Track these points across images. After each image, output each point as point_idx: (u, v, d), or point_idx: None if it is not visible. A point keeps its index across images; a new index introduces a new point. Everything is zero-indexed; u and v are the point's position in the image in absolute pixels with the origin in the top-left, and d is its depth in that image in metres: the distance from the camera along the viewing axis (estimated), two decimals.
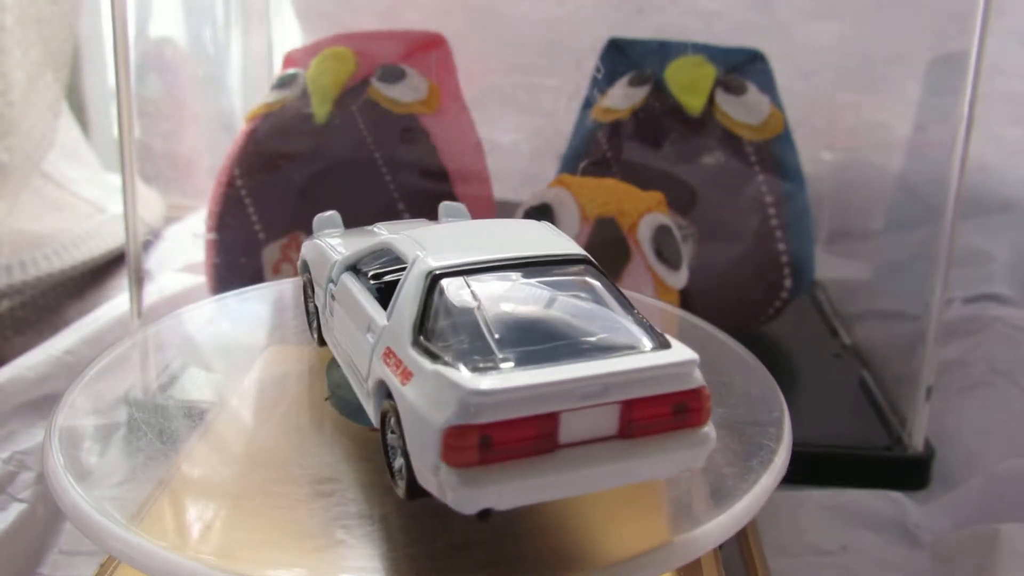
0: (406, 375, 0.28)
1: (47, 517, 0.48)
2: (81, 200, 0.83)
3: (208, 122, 0.83)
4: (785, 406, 0.37)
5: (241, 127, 0.64)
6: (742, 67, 0.66)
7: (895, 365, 0.63)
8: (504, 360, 0.27)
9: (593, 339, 0.28)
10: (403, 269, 0.35)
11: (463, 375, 0.26)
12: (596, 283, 0.31)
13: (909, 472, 0.55)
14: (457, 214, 0.45)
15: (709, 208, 0.61)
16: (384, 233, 0.40)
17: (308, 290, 0.41)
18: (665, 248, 0.52)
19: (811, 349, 0.68)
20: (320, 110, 0.62)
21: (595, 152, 0.63)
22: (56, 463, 0.34)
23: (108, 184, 0.88)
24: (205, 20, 0.84)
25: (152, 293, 0.65)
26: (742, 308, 0.63)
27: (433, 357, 0.27)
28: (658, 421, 0.27)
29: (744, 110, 0.63)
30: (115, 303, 0.69)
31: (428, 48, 0.67)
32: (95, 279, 0.78)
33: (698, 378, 0.28)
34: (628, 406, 0.27)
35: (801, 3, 0.81)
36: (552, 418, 0.26)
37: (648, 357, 0.27)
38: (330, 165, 0.61)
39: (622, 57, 0.68)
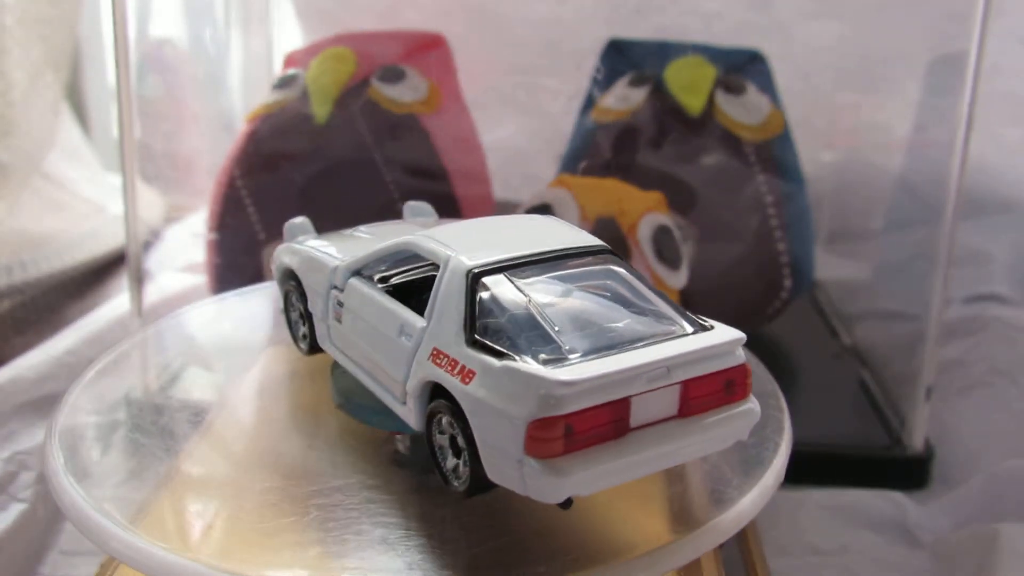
0: (467, 374, 0.28)
1: (47, 517, 0.48)
2: (81, 200, 0.83)
3: (208, 122, 0.83)
4: (785, 406, 0.37)
5: (241, 127, 0.64)
6: (742, 67, 0.66)
7: (895, 365, 0.63)
8: (571, 351, 0.27)
9: (640, 324, 0.29)
10: (416, 270, 0.35)
11: (541, 368, 0.26)
12: (623, 271, 0.32)
13: (909, 472, 0.55)
14: (421, 213, 0.45)
15: (709, 208, 0.61)
16: (366, 236, 0.40)
17: (291, 298, 0.40)
18: (665, 248, 0.52)
19: (811, 349, 0.68)
20: (320, 110, 0.61)
21: (595, 152, 0.63)
22: (56, 463, 0.34)
23: (108, 184, 0.88)
24: (205, 20, 0.84)
25: (152, 293, 0.65)
26: (742, 308, 0.63)
27: (497, 354, 0.28)
28: (711, 398, 0.29)
29: (744, 110, 0.63)
30: (115, 303, 0.69)
31: (428, 48, 0.67)
32: (95, 279, 0.78)
33: (741, 355, 0.30)
34: (687, 386, 0.28)
35: (801, 3, 0.81)
36: (624, 403, 0.27)
37: (703, 338, 0.29)
38: (330, 165, 0.61)
39: (622, 57, 0.68)
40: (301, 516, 0.32)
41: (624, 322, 0.29)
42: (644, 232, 0.52)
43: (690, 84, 0.63)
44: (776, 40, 0.74)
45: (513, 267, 0.30)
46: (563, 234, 0.33)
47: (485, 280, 0.30)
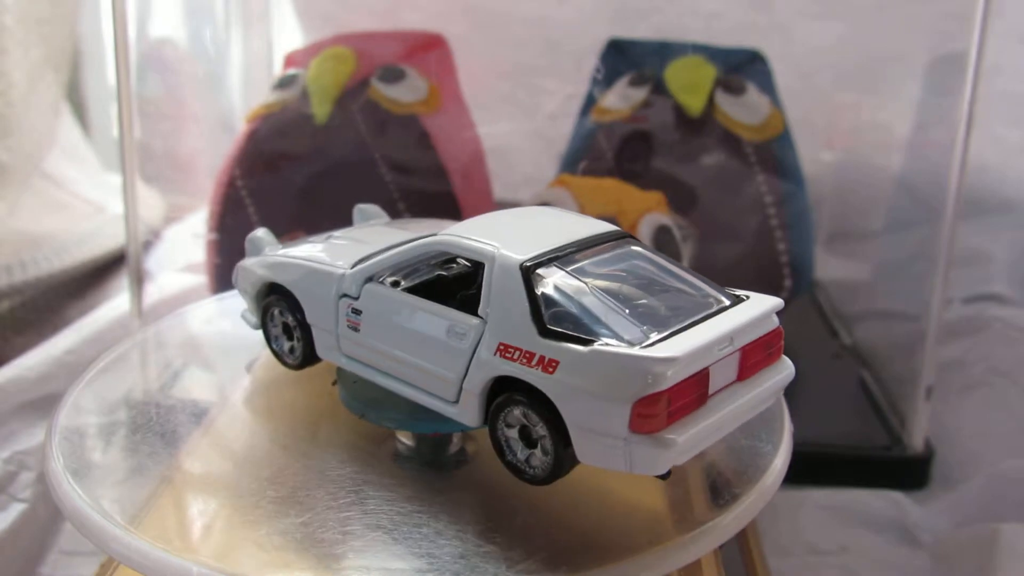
0: (549, 364, 0.29)
1: (47, 517, 0.48)
2: (81, 200, 0.83)
3: (208, 122, 0.83)
4: (785, 406, 0.37)
5: (241, 127, 0.64)
6: (742, 67, 0.66)
7: (895, 365, 0.63)
8: (649, 330, 0.29)
9: (688, 299, 0.31)
10: (423, 271, 0.35)
11: (637, 349, 0.28)
12: (647, 252, 0.33)
13: (909, 472, 0.55)
14: (372, 215, 0.44)
15: (709, 208, 0.61)
16: (346, 241, 0.39)
17: (274, 312, 0.39)
18: (665, 248, 0.52)
19: (811, 349, 0.68)
20: (320, 110, 0.61)
21: (595, 152, 0.63)
22: (56, 463, 0.34)
23: (108, 184, 0.88)
24: (205, 20, 0.84)
25: (152, 293, 0.65)
26: None
27: (580, 341, 0.28)
28: (759, 361, 0.31)
29: (744, 110, 0.63)
30: (115, 303, 0.69)
31: (428, 48, 0.67)
32: (95, 279, 0.78)
33: (776, 320, 0.32)
34: (744, 352, 0.31)
35: (801, 3, 0.81)
36: (705, 373, 0.29)
37: (751, 307, 0.32)
38: (330, 165, 0.61)
39: (622, 57, 0.68)
40: (302, 516, 0.31)
41: (674, 299, 0.31)
42: (644, 232, 0.52)
43: (690, 84, 0.63)
44: (776, 40, 0.74)
45: (557, 258, 0.31)
46: (581, 223, 0.34)
47: (539, 272, 0.30)
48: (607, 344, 0.28)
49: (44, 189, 0.79)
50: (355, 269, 0.35)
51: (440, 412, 0.32)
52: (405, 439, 0.36)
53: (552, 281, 0.30)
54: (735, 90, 0.63)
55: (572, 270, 0.31)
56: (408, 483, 0.33)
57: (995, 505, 0.51)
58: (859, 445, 0.56)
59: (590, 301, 0.30)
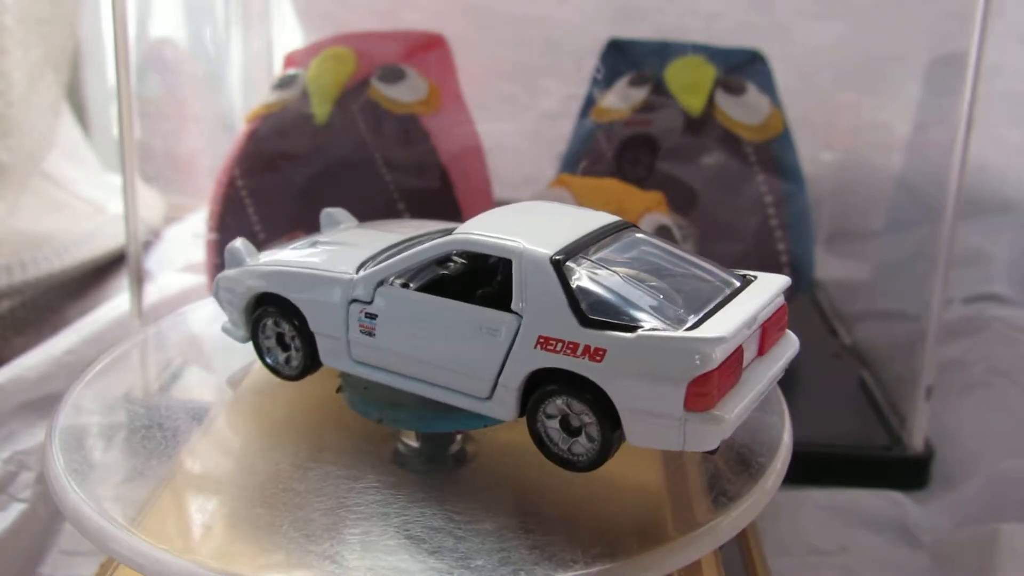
0: (596, 353, 0.29)
1: (47, 517, 0.48)
2: (81, 200, 0.83)
3: (208, 122, 0.83)
4: (785, 406, 0.37)
5: (241, 127, 0.64)
6: (742, 67, 0.66)
7: (895, 365, 0.63)
8: (685, 313, 0.30)
9: (705, 283, 0.32)
10: (428, 270, 0.35)
11: (684, 332, 0.29)
12: (652, 240, 0.34)
13: (909, 472, 0.55)
14: (340, 220, 0.44)
15: (709, 208, 0.61)
16: (335, 246, 0.39)
17: (266, 323, 0.38)
18: None
19: (811, 349, 0.68)
20: (320, 110, 0.61)
21: (595, 152, 0.63)
22: (56, 463, 0.34)
23: (108, 184, 0.88)
24: (205, 20, 0.84)
25: (152, 293, 0.65)
26: None
27: (624, 328, 0.29)
28: (773, 336, 0.33)
29: (744, 110, 0.63)
30: (115, 303, 0.69)
31: (428, 48, 0.67)
32: (95, 279, 0.78)
33: (782, 297, 0.34)
34: (764, 329, 0.32)
35: (801, 3, 0.81)
36: (739, 351, 0.30)
37: (766, 286, 0.33)
38: (330, 165, 0.61)
39: (622, 57, 0.68)
40: (302, 516, 0.31)
41: (692, 282, 0.32)
42: None
43: (690, 84, 0.63)
44: (776, 40, 0.74)
45: (579, 249, 0.32)
46: (584, 214, 0.35)
47: (568, 264, 0.31)
48: (653, 329, 0.29)
49: (44, 189, 0.79)
50: (365, 273, 0.35)
51: (470, 409, 0.33)
52: (408, 440, 0.36)
53: (582, 272, 0.31)
54: (735, 90, 0.63)
55: (596, 260, 0.32)
56: (408, 484, 0.33)
57: (995, 505, 0.51)
58: (859, 445, 0.56)
59: (623, 288, 0.31)
